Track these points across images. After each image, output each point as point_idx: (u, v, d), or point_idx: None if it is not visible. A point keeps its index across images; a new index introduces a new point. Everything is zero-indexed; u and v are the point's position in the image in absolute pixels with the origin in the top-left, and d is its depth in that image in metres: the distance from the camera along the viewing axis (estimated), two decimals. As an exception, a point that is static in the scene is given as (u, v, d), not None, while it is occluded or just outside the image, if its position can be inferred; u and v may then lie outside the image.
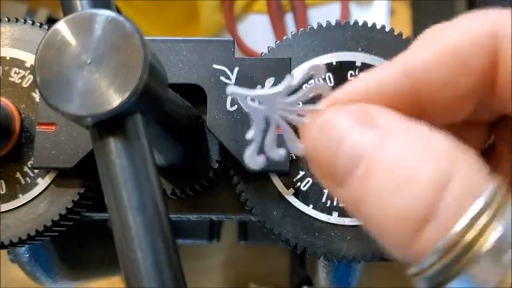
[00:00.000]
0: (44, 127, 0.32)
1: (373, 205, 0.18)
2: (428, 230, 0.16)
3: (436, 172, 0.17)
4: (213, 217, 0.38)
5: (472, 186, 0.17)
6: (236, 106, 0.33)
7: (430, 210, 0.16)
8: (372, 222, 0.18)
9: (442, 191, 0.17)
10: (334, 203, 0.33)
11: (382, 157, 0.18)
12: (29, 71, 0.35)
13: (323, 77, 0.22)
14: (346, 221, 0.32)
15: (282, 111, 0.21)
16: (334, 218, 0.32)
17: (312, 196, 0.33)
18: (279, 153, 0.21)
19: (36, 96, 0.35)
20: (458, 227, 0.16)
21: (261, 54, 0.34)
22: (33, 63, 0.33)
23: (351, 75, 0.33)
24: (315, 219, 0.32)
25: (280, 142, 0.21)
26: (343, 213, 0.32)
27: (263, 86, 0.33)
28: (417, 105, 0.21)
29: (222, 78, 0.33)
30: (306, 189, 0.33)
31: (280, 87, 0.21)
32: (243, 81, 0.33)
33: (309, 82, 0.22)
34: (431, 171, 0.17)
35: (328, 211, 0.33)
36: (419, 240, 0.17)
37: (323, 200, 0.33)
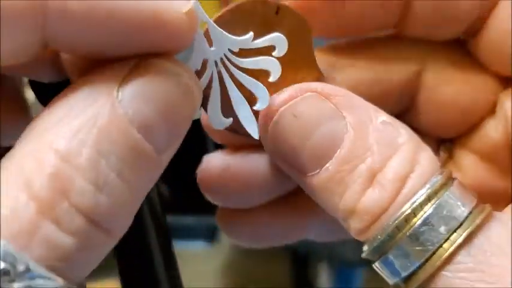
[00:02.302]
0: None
1: (343, 197, 0.19)
2: (382, 218, 0.19)
3: (402, 166, 0.19)
4: (212, 219, 0.37)
5: (426, 177, 0.19)
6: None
7: (389, 203, 0.19)
8: (337, 211, 0.20)
9: (404, 183, 0.19)
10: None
11: (353, 148, 0.19)
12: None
13: (283, 53, 0.20)
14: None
15: (228, 64, 0.19)
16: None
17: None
18: (220, 123, 0.20)
19: (30, 96, 0.34)
20: (403, 210, 0.19)
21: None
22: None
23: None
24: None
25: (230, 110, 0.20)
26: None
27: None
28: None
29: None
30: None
31: (237, 38, 0.19)
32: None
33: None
34: (398, 166, 0.19)
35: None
36: (374, 227, 0.19)
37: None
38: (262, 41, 0.20)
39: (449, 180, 0.20)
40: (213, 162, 0.24)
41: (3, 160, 0.16)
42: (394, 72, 0.23)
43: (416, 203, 0.19)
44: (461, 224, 0.19)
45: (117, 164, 0.16)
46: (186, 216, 0.37)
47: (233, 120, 0.20)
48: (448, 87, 0.24)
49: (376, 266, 0.20)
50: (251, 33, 0.19)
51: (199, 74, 0.19)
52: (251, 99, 0.20)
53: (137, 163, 0.16)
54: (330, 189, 0.20)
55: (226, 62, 0.19)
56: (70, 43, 0.16)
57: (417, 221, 0.19)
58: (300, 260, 0.69)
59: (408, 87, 0.24)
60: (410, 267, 0.19)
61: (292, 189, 0.25)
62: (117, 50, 0.17)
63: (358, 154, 0.19)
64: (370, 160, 0.19)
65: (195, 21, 0.17)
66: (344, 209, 0.20)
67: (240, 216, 0.25)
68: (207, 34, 0.19)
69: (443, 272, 0.18)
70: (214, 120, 0.20)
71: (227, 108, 0.20)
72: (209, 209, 0.36)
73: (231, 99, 0.20)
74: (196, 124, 0.33)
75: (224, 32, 0.19)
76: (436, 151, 0.25)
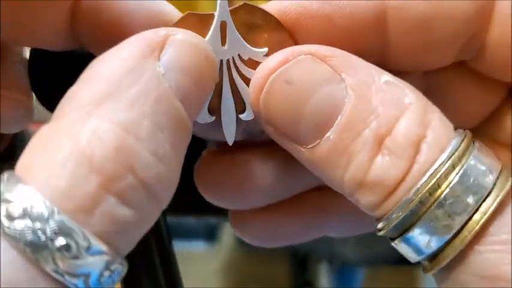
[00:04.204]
0: (37, 127, 0.32)
1: (349, 168, 0.18)
2: (400, 189, 0.17)
3: (411, 129, 0.17)
4: (211, 219, 0.37)
5: (442, 141, 0.17)
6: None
7: (405, 172, 0.17)
8: (343, 185, 0.18)
9: (418, 149, 0.17)
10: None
11: (355, 113, 0.18)
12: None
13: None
14: (349, 224, 0.31)
15: (233, 68, 0.19)
16: (336, 221, 0.32)
17: (313, 198, 0.32)
18: (204, 117, 0.20)
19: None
20: (424, 181, 0.17)
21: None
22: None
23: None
24: (316, 222, 0.32)
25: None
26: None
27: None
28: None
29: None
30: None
31: (252, 48, 0.19)
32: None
33: None
34: (408, 129, 0.17)
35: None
36: (391, 200, 0.17)
37: (325, 202, 0.32)
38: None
39: (470, 143, 0.18)
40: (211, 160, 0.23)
41: (37, 136, 0.16)
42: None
43: (441, 172, 0.17)
44: (490, 192, 0.17)
45: (169, 135, 0.16)
46: (186, 216, 0.37)
47: (214, 119, 0.20)
48: None
49: (396, 243, 0.18)
50: (266, 49, 0.19)
51: None
52: (240, 107, 0.20)
53: (181, 132, 0.17)
54: (333, 160, 0.18)
55: (232, 66, 0.19)
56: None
57: (442, 192, 0.17)
58: (300, 260, 0.69)
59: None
60: (436, 244, 0.17)
61: (307, 188, 0.23)
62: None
63: (361, 119, 0.17)
64: (375, 124, 0.17)
65: None
66: (350, 181, 0.18)
67: (255, 215, 0.23)
68: (223, 33, 0.19)
69: (476, 246, 0.17)
70: (200, 114, 0.20)
71: (213, 107, 0.20)
72: (209, 209, 0.36)
73: (222, 100, 0.20)
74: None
75: (241, 38, 0.19)
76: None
